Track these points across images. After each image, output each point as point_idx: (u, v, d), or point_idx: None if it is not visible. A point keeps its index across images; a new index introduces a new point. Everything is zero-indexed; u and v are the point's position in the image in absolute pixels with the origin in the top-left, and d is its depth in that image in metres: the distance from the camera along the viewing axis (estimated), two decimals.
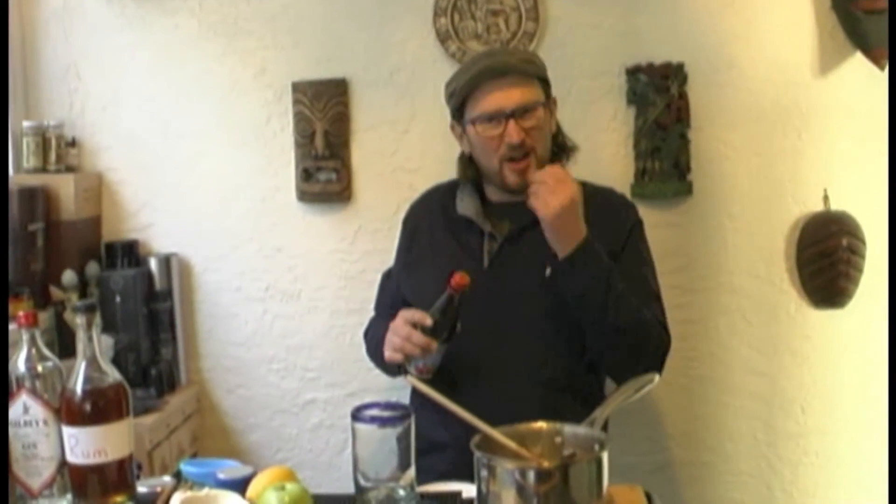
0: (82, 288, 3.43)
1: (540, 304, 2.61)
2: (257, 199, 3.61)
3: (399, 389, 3.10)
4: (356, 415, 2.02)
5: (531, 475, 1.87)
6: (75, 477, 2.02)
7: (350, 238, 3.54)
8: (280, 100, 3.56)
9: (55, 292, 3.33)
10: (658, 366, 2.63)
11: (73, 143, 3.56)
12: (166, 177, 3.63)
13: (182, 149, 3.62)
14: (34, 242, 3.29)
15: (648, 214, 3.43)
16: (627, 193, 3.44)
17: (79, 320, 2.00)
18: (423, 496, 2.06)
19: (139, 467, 2.89)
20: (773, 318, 3.54)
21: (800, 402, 3.56)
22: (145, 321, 3.47)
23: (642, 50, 3.44)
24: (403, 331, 2.48)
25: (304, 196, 3.56)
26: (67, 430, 1.99)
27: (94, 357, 2.00)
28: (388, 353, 2.55)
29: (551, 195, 2.44)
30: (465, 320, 2.50)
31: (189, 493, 2.03)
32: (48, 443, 2.02)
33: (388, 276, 3.04)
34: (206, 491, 2.04)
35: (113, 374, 2.02)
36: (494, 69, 2.61)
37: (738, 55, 3.44)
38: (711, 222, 3.50)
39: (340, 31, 3.51)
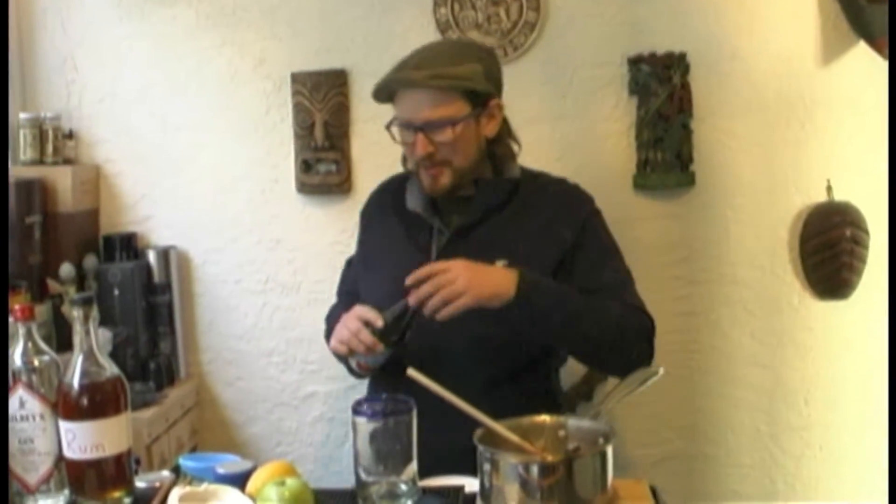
0: (80, 281, 3.41)
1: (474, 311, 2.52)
2: (256, 190, 3.59)
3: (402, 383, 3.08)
4: (357, 408, 2.00)
5: (535, 469, 1.86)
6: (73, 472, 2.00)
7: (350, 230, 3.51)
8: (279, 91, 3.54)
9: (53, 285, 3.31)
10: (649, 350, 2.59)
11: (70, 135, 3.54)
12: (165, 169, 3.61)
13: (180, 140, 3.60)
14: (31, 235, 3.27)
15: (650, 206, 3.44)
16: (629, 185, 3.44)
17: (75, 313, 1.98)
18: (424, 490, 2.04)
19: (137, 462, 2.88)
20: (776, 309, 3.52)
21: (803, 394, 3.54)
22: (144, 314, 3.45)
23: (644, 39, 3.42)
24: (353, 325, 2.44)
25: (304, 188, 3.54)
26: (64, 425, 1.97)
27: (92, 351, 1.98)
28: (334, 343, 2.53)
29: (448, 282, 2.36)
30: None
31: (188, 489, 2.01)
32: (45, 437, 2.00)
33: (349, 264, 3.02)
34: (205, 486, 2.03)
35: (110, 368, 2.00)
36: (399, 83, 2.56)
37: (740, 45, 3.42)
38: (714, 213, 3.48)
39: (340, 22, 3.49)
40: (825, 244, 3.41)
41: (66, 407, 1.97)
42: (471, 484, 2.06)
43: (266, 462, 2.14)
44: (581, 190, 2.78)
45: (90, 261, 3.46)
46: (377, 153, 3.48)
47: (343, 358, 2.60)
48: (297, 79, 3.51)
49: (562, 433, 2.06)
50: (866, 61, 3.35)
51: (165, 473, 2.23)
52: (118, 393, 2.00)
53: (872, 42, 3.31)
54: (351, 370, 2.67)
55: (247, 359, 3.67)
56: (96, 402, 1.96)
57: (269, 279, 3.62)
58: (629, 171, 3.45)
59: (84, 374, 1.96)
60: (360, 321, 2.44)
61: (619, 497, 1.96)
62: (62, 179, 3.40)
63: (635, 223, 3.46)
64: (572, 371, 3.53)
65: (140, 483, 2.12)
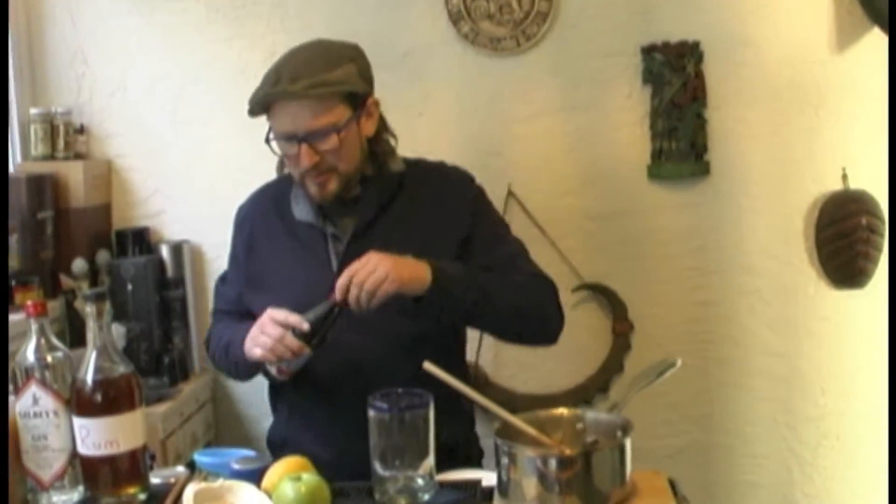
0: (93, 276, 3.40)
1: (395, 303, 2.42)
2: None
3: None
4: (373, 403, 1.99)
5: (553, 463, 1.86)
6: (87, 468, 2.00)
7: None
8: None
9: (65, 281, 3.30)
10: (559, 313, 2.63)
11: (81, 130, 3.53)
12: (176, 163, 3.60)
13: (191, 134, 3.59)
14: (43, 230, 3.27)
15: (665, 196, 3.43)
16: (644, 174, 3.43)
17: (88, 309, 1.98)
18: (441, 484, 2.03)
19: (152, 457, 2.88)
20: (792, 298, 3.51)
21: (819, 384, 3.53)
22: (157, 309, 3.44)
23: (657, 28, 3.40)
24: (276, 332, 2.36)
25: None
26: (78, 421, 1.97)
27: (105, 347, 1.98)
28: (259, 352, 2.40)
29: (371, 273, 2.32)
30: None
31: (203, 485, 2.00)
32: (58, 434, 2.00)
33: (223, 281, 2.89)
34: (220, 482, 2.02)
35: (124, 364, 2.00)
36: (278, 97, 2.47)
37: (754, 33, 3.40)
38: (729, 203, 3.46)
39: (350, 14, 3.47)
40: (841, 233, 3.39)
41: (80, 403, 1.97)
42: (488, 478, 2.05)
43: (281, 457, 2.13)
44: (462, 171, 2.75)
45: (103, 256, 3.45)
46: None
47: (254, 366, 2.55)
48: None
49: (579, 426, 2.06)
50: (881, 47, 3.33)
51: (180, 469, 2.23)
52: (132, 388, 2.00)
53: (887, 27, 3.29)
54: (267, 375, 2.60)
55: None
56: (110, 398, 1.96)
57: None
58: (643, 162, 3.44)
59: (98, 369, 1.96)
60: (282, 326, 2.37)
61: (638, 490, 1.95)
62: (74, 174, 3.39)
63: (650, 213, 3.46)
64: (587, 363, 3.53)
65: (155, 479, 2.12)
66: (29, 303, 2.01)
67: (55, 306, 3.18)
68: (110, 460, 1.98)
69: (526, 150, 3.49)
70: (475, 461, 2.66)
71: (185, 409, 3.33)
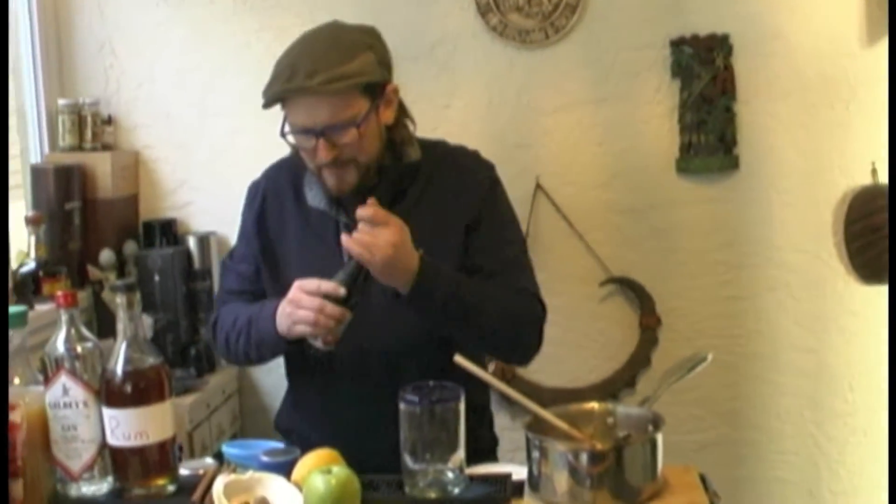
0: (120, 267, 3.42)
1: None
2: None
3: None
4: (404, 395, 1.98)
5: (584, 457, 1.85)
6: (116, 459, 2.00)
7: None
8: None
9: (93, 272, 3.31)
10: (538, 340, 2.50)
11: (109, 121, 3.54)
12: (204, 154, 3.61)
13: (219, 126, 3.59)
14: (71, 221, 3.28)
15: (694, 190, 3.41)
16: (672, 168, 3.41)
17: (119, 300, 1.98)
18: (471, 478, 2.02)
19: (181, 449, 2.88)
20: (821, 293, 3.49)
21: (848, 380, 3.51)
22: (184, 300, 3.45)
23: (686, 21, 3.39)
24: (313, 303, 2.26)
25: None
26: (108, 412, 1.97)
27: (135, 337, 1.98)
28: (301, 328, 2.30)
29: (373, 245, 2.25)
30: None
31: (232, 477, 1.99)
32: (88, 424, 2.00)
33: (230, 258, 2.76)
34: (249, 474, 2.01)
35: (154, 355, 2.00)
36: (294, 93, 2.38)
37: (783, 25, 3.38)
38: (758, 197, 3.45)
39: (378, 5, 3.46)
40: (870, 227, 3.37)
41: (110, 394, 1.97)
42: (518, 472, 2.04)
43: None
44: (481, 158, 2.66)
45: (130, 247, 3.46)
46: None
47: (279, 344, 2.43)
48: None
49: (610, 420, 2.05)
50: None
51: (209, 461, 2.23)
52: (162, 380, 2.00)
53: None
54: (308, 353, 2.43)
55: None
56: (140, 389, 1.96)
57: None
58: (672, 155, 3.43)
59: (128, 360, 1.96)
60: (318, 295, 2.29)
61: (669, 485, 1.94)
62: (101, 165, 3.40)
63: (678, 207, 3.45)
64: (614, 357, 3.52)
65: (183, 470, 2.12)
66: (59, 293, 2.00)
67: (83, 297, 3.18)
68: (140, 451, 1.98)
69: (554, 143, 3.49)
70: (488, 451, 2.61)
71: (211, 401, 3.34)
